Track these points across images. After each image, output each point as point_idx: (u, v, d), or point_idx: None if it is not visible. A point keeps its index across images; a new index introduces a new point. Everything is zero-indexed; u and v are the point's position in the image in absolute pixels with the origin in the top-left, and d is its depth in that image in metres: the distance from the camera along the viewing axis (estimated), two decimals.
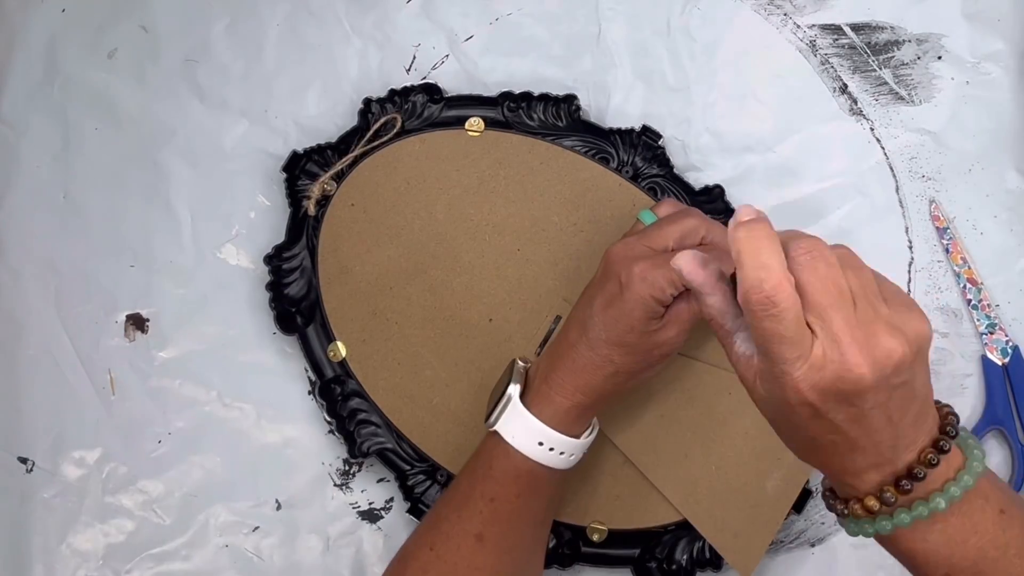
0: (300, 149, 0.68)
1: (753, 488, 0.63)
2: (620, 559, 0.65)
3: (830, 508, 0.45)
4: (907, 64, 0.68)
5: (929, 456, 0.41)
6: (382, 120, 0.68)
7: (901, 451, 0.41)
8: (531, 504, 0.58)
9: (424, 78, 0.70)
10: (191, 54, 0.71)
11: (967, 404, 0.67)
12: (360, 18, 0.71)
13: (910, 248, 0.68)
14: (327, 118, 0.70)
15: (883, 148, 0.69)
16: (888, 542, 0.43)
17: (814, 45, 0.69)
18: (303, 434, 0.69)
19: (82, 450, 0.69)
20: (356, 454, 0.66)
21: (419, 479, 0.66)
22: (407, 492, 0.66)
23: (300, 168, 0.68)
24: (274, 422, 0.69)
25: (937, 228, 0.68)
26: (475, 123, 0.67)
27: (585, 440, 0.58)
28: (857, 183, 0.68)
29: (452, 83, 0.70)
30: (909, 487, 0.41)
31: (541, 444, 0.56)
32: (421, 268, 0.67)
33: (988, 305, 0.67)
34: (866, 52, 0.69)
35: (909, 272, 0.68)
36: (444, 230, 0.67)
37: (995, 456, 0.67)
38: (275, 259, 0.68)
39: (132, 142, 0.71)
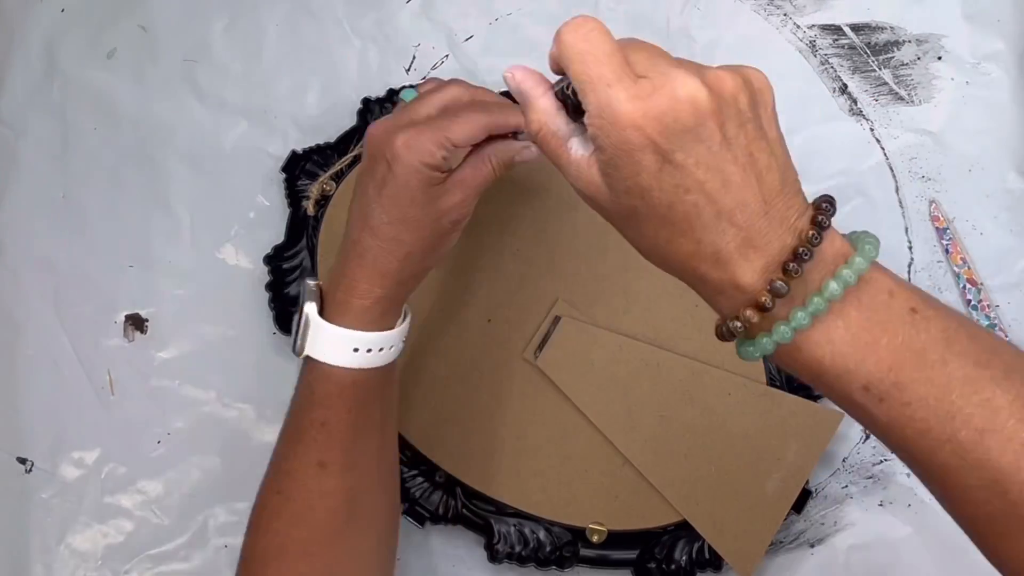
0: (299, 149, 0.68)
1: (753, 488, 0.63)
2: (619, 560, 0.65)
3: (722, 336, 0.40)
4: (907, 64, 0.68)
5: (810, 235, 0.37)
6: None
7: (776, 226, 0.38)
8: (364, 414, 0.56)
9: (424, 78, 0.70)
10: (190, 54, 0.71)
11: None
12: (360, 18, 0.71)
13: (910, 249, 0.68)
14: (326, 118, 0.70)
15: (883, 148, 0.68)
16: (794, 360, 0.39)
17: (814, 45, 0.69)
18: None
19: (81, 450, 0.69)
20: None
21: (417, 481, 0.66)
22: (405, 494, 0.66)
23: (299, 168, 0.68)
24: (274, 422, 0.69)
25: (937, 228, 0.68)
26: None
27: (400, 329, 0.56)
28: (857, 183, 0.68)
29: None
30: (798, 271, 0.37)
31: (356, 350, 0.54)
32: None
33: (988, 305, 0.67)
34: (866, 52, 0.69)
35: (909, 273, 0.68)
36: None
37: None
38: (275, 259, 0.68)
39: (131, 142, 0.71)
